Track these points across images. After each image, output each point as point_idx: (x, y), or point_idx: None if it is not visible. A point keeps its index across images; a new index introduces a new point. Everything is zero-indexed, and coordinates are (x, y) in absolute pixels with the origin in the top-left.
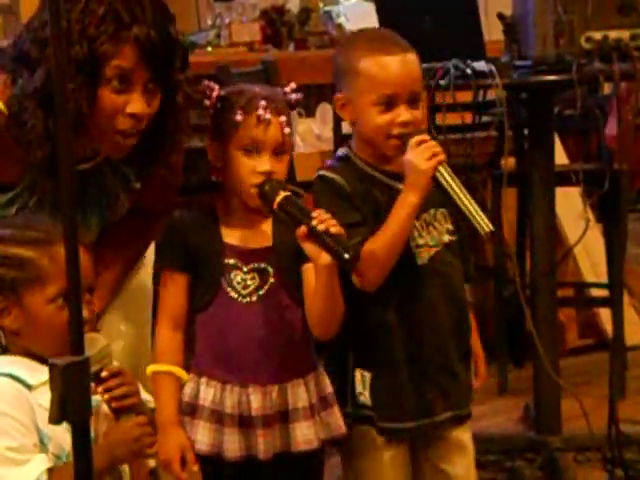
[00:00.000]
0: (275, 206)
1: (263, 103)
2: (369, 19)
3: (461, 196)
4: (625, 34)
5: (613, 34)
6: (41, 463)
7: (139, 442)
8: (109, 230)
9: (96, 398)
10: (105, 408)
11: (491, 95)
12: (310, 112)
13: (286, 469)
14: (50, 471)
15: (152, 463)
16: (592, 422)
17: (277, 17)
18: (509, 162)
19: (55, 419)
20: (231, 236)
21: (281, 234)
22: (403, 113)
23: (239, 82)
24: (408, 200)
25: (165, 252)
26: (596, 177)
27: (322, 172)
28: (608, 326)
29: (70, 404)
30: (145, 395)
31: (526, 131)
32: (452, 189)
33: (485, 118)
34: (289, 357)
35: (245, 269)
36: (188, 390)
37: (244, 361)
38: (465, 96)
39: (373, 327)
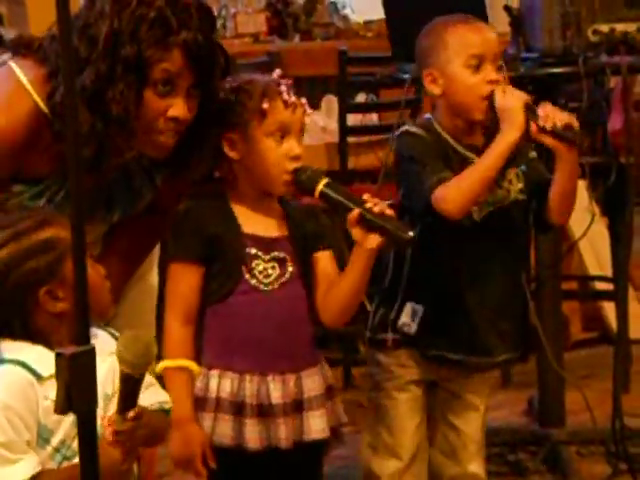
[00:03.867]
0: (317, 194)
1: (284, 87)
2: (375, 10)
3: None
4: (632, 27)
5: (620, 27)
6: (29, 467)
7: (124, 465)
8: (119, 225)
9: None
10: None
11: None
12: (315, 104)
13: (301, 458)
14: (38, 475)
15: None
16: (596, 415)
17: (282, 8)
18: None
19: (61, 409)
20: (249, 225)
21: (295, 223)
22: (491, 72)
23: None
24: (507, 137)
25: (180, 242)
26: (602, 170)
27: (406, 128)
28: (612, 319)
29: (76, 394)
30: (163, 396)
31: None
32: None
33: None
34: (304, 346)
35: (266, 258)
36: (199, 384)
37: (265, 350)
38: None
39: (429, 270)
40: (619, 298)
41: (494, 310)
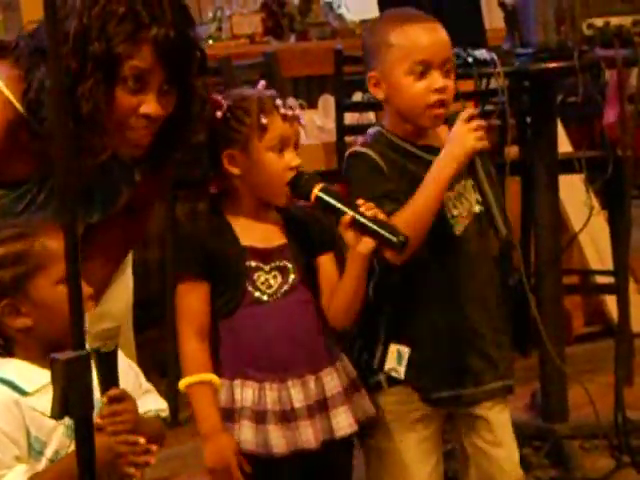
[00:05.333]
0: (313, 199)
1: (279, 102)
2: (370, 9)
3: (490, 193)
4: (627, 20)
5: (615, 20)
6: (17, 475)
7: (120, 458)
8: (97, 227)
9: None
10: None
11: (493, 83)
12: (312, 104)
13: (333, 456)
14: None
15: None
16: (599, 409)
17: (278, 9)
18: (512, 151)
19: (57, 414)
20: (248, 238)
21: (295, 229)
22: (437, 80)
23: (239, 76)
24: (444, 173)
25: (184, 261)
26: (599, 164)
27: (354, 148)
28: (614, 313)
29: (72, 399)
30: (161, 404)
31: (529, 119)
32: (483, 183)
33: (487, 107)
34: (319, 347)
35: (267, 269)
36: (223, 396)
37: (280, 357)
38: (467, 85)
39: (412, 300)
40: (620, 291)
41: (482, 335)
